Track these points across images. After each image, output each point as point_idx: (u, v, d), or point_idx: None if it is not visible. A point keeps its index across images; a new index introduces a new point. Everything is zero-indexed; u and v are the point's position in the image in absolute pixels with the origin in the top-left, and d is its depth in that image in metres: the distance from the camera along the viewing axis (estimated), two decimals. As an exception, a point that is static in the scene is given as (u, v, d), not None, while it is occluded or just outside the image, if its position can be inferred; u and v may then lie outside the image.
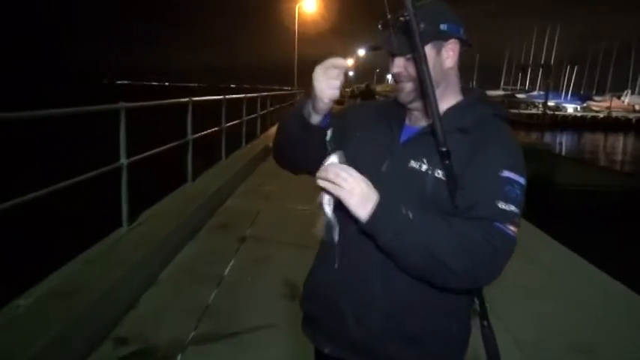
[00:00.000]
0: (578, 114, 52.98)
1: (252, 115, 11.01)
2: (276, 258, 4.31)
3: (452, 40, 1.24)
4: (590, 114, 52.78)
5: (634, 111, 54.88)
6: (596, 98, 61.49)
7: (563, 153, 25.28)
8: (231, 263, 4.13)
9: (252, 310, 3.32)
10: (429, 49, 1.20)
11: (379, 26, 1.26)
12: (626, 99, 60.16)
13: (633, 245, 7.60)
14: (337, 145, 1.19)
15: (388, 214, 1.10)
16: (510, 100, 53.99)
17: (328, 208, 1.15)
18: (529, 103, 56.98)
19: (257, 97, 11.68)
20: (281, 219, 5.54)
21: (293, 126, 1.29)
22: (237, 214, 5.68)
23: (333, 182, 1.10)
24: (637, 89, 64.90)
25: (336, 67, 1.18)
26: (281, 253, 4.42)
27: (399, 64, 1.25)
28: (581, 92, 67.57)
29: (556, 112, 50.26)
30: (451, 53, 1.24)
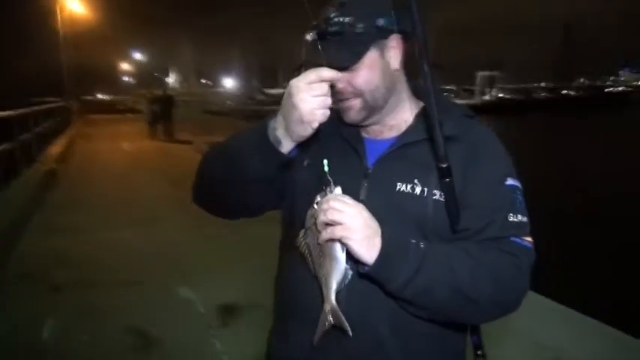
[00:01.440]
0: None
1: (26, 135, 9.32)
2: (108, 303, 3.59)
3: (393, 36, 1.02)
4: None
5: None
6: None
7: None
8: (51, 324, 3.28)
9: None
10: (373, 55, 0.99)
11: (308, 37, 1.00)
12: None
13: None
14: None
15: (401, 252, 0.89)
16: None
17: (342, 259, 0.90)
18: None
19: (29, 113, 9.91)
20: (98, 254, 4.70)
21: (249, 158, 0.98)
22: (41, 256, 4.61)
23: (327, 220, 0.88)
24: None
25: (323, 79, 0.91)
26: (113, 296, 3.71)
27: (342, 79, 1.00)
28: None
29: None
30: (396, 51, 1.03)
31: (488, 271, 0.91)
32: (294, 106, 0.90)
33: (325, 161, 0.95)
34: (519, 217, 0.98)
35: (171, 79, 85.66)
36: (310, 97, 0.90)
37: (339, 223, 0.87)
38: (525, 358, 2.84)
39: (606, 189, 11.63)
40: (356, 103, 1.02)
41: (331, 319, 0.92)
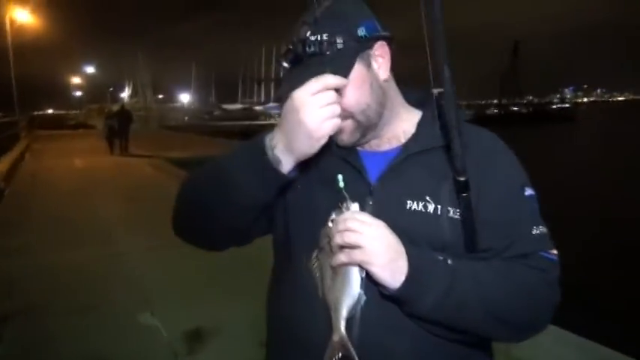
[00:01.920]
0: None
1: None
2: (63, 332, 3.32)
3: (378, 44, 0.93)
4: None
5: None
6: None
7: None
8: (-2, 358, 3.00)
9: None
10: (359, 70, 0.89)
11: (285, 64, 0.91)
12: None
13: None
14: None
15: (429, 272, 0.82)
16: (249, 113, 56.81)
17: (356, 283, 0.80)
18: (267, 115, 61.17)
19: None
20: (50, 278, 4.38)
21: (245, 181, 0.87)
22: (-16, 283, 4.25)
23: (343, 243, 0.79)
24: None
25: (329, 87, 0.81)
26: (67, 325, 3.43)
27: None
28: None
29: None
30: (381, 60, 0.93)
31: (520, 290, 0.86)
32: (300, 122, 0.81)
33: (340, 176, 0.85)
34: (541, 228, 0.91)
35: (126, 94, 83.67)
36: (318, 108, 0.80)
37: (358, 246, 0.78)
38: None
39: (562, 193, 12.43)
40: (348, 125, 0.91)
41: (340, 351, 0.82)
